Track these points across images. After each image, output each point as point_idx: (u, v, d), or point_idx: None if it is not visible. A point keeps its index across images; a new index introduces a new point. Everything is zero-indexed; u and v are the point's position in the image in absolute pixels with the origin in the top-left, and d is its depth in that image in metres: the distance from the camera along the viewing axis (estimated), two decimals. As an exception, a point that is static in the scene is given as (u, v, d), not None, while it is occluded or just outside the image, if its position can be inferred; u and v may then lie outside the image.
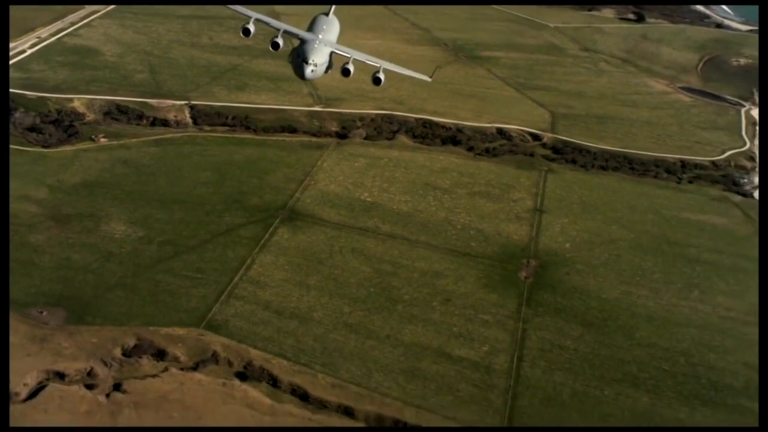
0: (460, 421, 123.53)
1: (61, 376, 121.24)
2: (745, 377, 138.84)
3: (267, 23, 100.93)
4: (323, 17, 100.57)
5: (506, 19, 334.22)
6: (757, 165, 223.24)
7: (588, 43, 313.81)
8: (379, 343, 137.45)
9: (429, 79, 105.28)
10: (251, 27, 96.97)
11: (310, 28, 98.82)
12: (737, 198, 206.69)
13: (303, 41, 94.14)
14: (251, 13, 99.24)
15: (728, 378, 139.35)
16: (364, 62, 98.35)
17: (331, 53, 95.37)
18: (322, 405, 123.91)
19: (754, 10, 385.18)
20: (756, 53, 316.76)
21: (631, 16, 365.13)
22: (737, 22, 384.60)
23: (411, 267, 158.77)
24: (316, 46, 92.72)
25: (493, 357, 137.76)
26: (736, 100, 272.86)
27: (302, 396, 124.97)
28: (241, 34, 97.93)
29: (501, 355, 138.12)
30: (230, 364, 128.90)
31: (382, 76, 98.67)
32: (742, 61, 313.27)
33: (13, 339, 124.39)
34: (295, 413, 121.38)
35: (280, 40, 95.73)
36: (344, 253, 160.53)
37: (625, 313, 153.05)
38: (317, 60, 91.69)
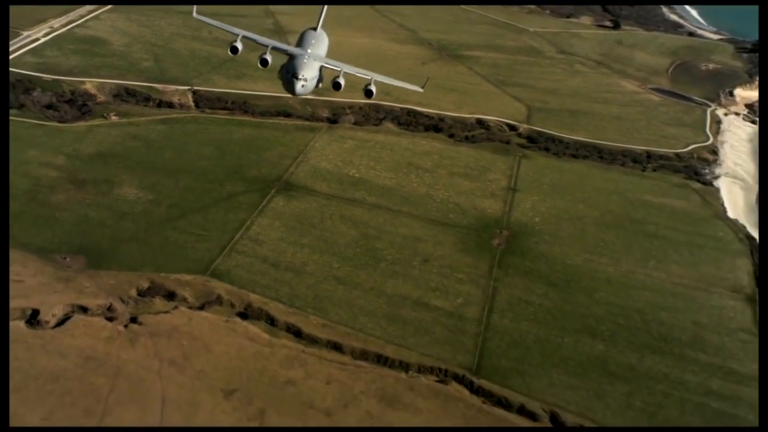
0: (435, 357, 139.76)
1: (84, 309, 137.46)
2: (692, 332, 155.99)
3: (254, 40, 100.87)
4: (311, 32, 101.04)
5: (488, 23, 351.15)
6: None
7: (565, 46, 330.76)
8: (364, 293, 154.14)
9: (421, 90, 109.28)
10: (239, 45, 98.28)
11: (299, 43, 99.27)
12: (697, 185, 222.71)
13: (292, 56, 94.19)
14: (238, 30, 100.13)
15: (677, 332, 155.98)
16: (354, 75, 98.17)
17: (321, 67, 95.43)
18: (313, 341, 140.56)
19: (728, 19, 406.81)
20: (724, 59, 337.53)
21: (607, 23, 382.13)
22: (709, 32, 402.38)
23: (394, 232, 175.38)
24: (305, 60, 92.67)
25: (466, 308, 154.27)
26: (703, 100, 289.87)
27: (296, 333, 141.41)
28: (229, 52, 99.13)
29: (473, 307, 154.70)
30: (232, 305, 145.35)
31: (373, 88, 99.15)
32: (711, 66, 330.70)
33: (41, 279, 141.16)
34: (289, 346, 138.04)
35: (268, 57, 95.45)
36: (334, 219, 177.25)
37: (586, 276, 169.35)
38: (307, 75, 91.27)
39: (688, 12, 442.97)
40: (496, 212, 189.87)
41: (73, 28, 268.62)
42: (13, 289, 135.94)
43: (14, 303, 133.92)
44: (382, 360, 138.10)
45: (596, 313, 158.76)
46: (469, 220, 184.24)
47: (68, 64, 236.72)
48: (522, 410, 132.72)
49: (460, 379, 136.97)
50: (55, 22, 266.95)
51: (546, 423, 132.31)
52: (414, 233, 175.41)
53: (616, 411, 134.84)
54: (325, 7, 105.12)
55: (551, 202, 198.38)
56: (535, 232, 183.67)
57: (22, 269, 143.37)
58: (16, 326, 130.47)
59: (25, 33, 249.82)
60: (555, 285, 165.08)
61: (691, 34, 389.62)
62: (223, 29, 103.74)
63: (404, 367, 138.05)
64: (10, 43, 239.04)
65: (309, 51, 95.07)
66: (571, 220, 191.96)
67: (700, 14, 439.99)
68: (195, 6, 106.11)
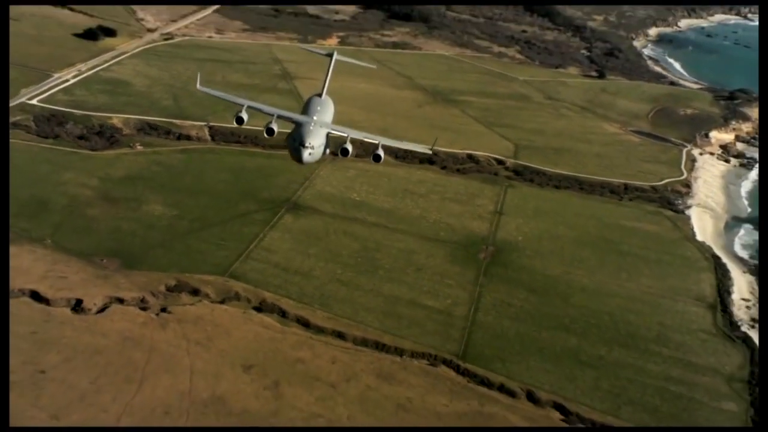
0: (426, 345, 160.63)
1: (120, 300, 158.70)
2: (657, 331, 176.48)
3: (260, 110, 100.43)
4: (317, 98, 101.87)
5: (480, 72, 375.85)
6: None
7: (552, 93, 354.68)
8: (365, 294, 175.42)
9: (429, 151, 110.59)
10: (244, 115, 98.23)
11: (304, 110, 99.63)
12: (669, 213, 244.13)
13: (298, 124, 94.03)
14: (243, 100, 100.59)
15: (643, 331, 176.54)
16: (362, 140, 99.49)
17: (328, 134, 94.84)
18: (319, 330, 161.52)
19: (708, 71, 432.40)
20: (702, 106, 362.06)
21: (593, 73, 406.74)
22: (690, 82, 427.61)
23: (391, 246, 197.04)
24: (311, 128, 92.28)
25: (454, 307, 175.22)
26: (680, 141, 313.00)
27: (304, 323, 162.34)
28: (234, 123, 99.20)
29: (460, 307, 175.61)
30: (248, 301, 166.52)
31: (381, 152, 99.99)
32: (689, 111, 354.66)
33: (83, 276, 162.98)
34: (299, 333, 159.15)
35: (274, 126, 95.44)
36: (337, 233, 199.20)
37: (563, 285, 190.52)
38: (314, 142, 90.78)
39: (671, 64, 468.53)
40: (483, 231, 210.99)
41: (98, 71, 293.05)
42: (58, 283, 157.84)
43: (60, 294, 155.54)
44: (379, 346, 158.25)
45: (571, 314, 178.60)
46: (458, 238, 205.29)
47: (96, 102, 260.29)
48: (502, 388, 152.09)
49: (448, 363, 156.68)
50: (83, 66, 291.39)
51: (523, 399, 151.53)
52: (409, 247, 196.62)
53: (585, 391, 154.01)
54: (330, 73, 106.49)
55: (533, 224, 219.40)
56: (518, 248, 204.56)
57: (66, 268, 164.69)
58: (63, 312, 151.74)
59: (56, 75, 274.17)
60: (534, 291, 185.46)
61: (672, 83, 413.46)
62: (228, 100, 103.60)
63: (399, 352, 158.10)
64: (44, 83, 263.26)
65: (315, 118, 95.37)
66: (551, 239, 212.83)
67: (682, 66, 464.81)
68: (198, 80, 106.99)
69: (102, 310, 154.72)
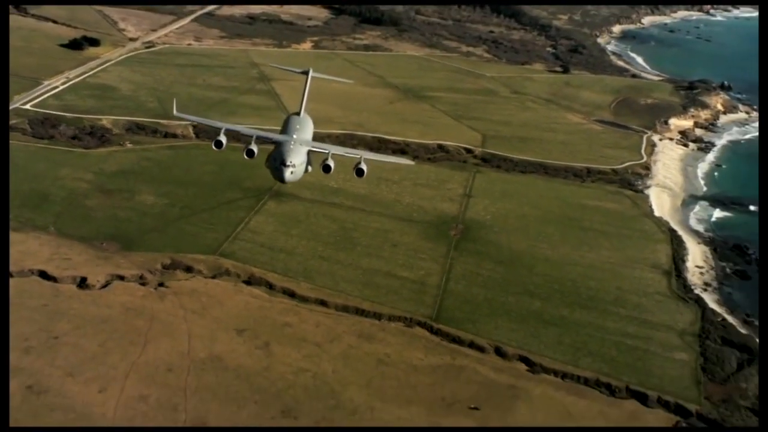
0: (402, 310, 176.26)
1: (121, 277, 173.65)
2: (615, 294, 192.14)
3: (238, 131, 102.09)
4: (295, 117, 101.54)
5: (449, 70, 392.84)
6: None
7: (518, 87, 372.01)
8: (344, 267, 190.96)
9: (412, 163, 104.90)
10: (222, 139, 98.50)
11: (284, 129, 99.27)
12: (629, 193, 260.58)
13: (278, 144, 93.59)
14: (220, 123, 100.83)
15: (602, 294, 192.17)
16: (343, 155, 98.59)
17: (309, 152, 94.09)
18: (304, 299, 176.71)
19: (670, 65, 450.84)
20: (663, 96, 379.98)
21: (558, 68, 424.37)
22: (652, 74, 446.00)
23: (367, 226, 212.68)
24: (291, 146, 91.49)
25: (427, 277, 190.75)
26: (641, 128, 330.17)
27: (290, 294, 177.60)
28: (213, 147, 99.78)
29: (433, 277, 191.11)
30: (238, 275, 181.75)
31: (364, 167, 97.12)
32: (650, 101, 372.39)
33: (85, 257, 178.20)
34: (285, 302, 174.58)
35: (254, 147, 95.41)
36: (317, 216, 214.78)
37: (528, 257, 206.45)
38: (295, 161, 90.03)
39: (633, 59, 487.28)
40: (453, 212, 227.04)
41: (86, 78, 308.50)
42: (63, 264, 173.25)
43: (66, 273, 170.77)
44: (359, 312, 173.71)
45: (535, 282, 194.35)
46: (430, 218, 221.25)
47: (85, 105, 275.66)
48: (472, 344, 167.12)
49: (423, 325, 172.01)
50: (71, 74, 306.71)
51: (491, 353, 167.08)
52: (384, 227, 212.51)
53: (549, 346, 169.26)
54: (307, 90, 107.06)
55: (500, 205, 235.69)
56: (486, 226, 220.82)
57: (69, 251, 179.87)
58: (70, 288, 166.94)
59: (46, 82, 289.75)
60: (501, 262, 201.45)
61: (634, 76, 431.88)
62: (205, 124, 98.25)
63: (377, 316, 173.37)
64: (35, 90, 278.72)
65: (294, 136, 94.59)
66: (517, 217, 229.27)
67: (644, 60, 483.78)
68: (174, 107, 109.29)
69: (105, 286, 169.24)
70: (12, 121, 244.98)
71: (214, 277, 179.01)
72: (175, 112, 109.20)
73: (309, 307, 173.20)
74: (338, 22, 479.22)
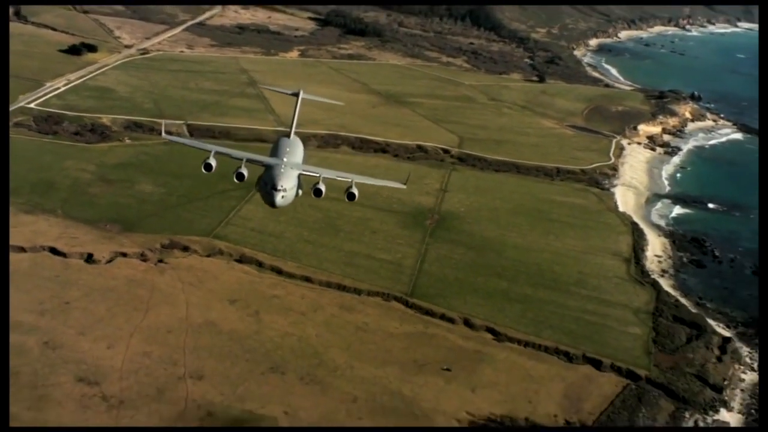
0: (380, 286, 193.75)
1: (124, 254, 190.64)
2: (577, 277, 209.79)
3: (228, 155, 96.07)
4: (285, 139, 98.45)
5: (430, 78, 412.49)
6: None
7: (495, 95, 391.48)
8: (328, 250, 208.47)
9: (404, 186, 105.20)
10: (212, 161, 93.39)
11: (273, 152, 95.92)
12: (596, 190, 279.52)
13: (268, 167, 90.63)
14: (210, 146, 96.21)
15: (565, 277, 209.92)
16: (334, 179, 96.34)
17: (299, 175, 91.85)
18: (290, 275, 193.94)
19: (643, 76, 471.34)
20: (633, 104, 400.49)
21: (534, 78, 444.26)
22: (624, 84, 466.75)
23: (350, 215, 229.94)
24: (282, 170, 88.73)
25: (404, 260, 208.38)
26: (611, 133, 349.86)
27: (278, 271, 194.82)
28: (203, 170, 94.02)
29: (409, 259, 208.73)
30: (230, 255, 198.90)
31: (355, 190, 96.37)
32: (621, 108, 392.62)
33: (91, 237, 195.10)
34: (274, 278, 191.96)
35: (244, 171, 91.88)
36: (303, 206, 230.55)
37: (497, 243, 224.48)
38: (286, 185, 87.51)
39: (608, 70, 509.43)
40: (429, 204, 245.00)
41: (85, 80, 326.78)
42: (71, 242, 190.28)
43: (74, 249, 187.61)
44: (341, 287, 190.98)
45: (503, 265, 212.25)
46: (408, 209, 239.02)
47: (86, 105, 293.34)
48: (443, 317, 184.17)
49: (398, 299, 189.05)
50: (71, 76, 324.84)
51: (460, 324, 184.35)
52: (365, 216, 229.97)
53: (513, 319, 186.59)
54: (296, 113, 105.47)
55: (474, 199, 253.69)
56: (460, 217, 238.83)
57: (76, 231, 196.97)
58: (78, 262, 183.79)
59: (48, 84, 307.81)
60: (472, 248, 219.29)
61: (607, 85, 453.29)
62: (195, 147, 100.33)
63: (357, 291, 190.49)
64: (38, 90, 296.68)
65: (285, 159, 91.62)
66: (489, 210, 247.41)
67: (618, 72, 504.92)
68: (162, 130, 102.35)
69: (109, 261, 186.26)
70: (17, 119, 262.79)
71: (208, 255, 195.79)
72: (163, 134, 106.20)
73: (295, 282, 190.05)
74: (324, 32, 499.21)
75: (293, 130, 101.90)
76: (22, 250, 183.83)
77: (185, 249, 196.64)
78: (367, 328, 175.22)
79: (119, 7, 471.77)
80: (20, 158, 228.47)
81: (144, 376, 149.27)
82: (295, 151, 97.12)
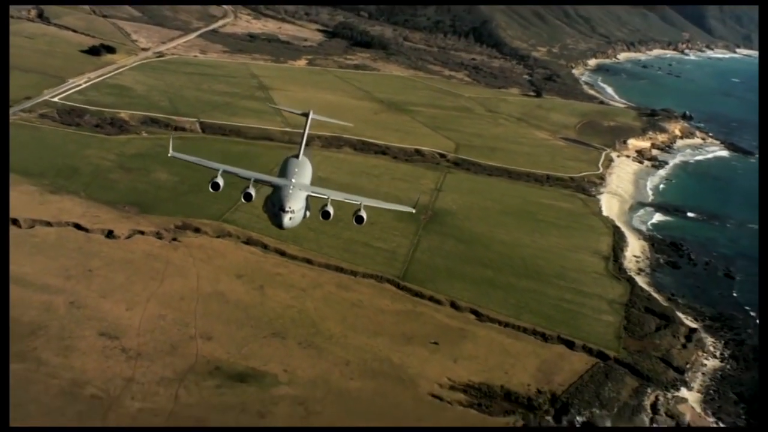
0: (375, 270, 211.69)
1: (141, 232, 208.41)
2: (558, 271, 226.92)
3: (236, 174, 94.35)
4: (294, 160, 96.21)
5: (431, 89, 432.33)
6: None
7: (493, 107, 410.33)
8: (328, 237, 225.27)
9: (413, 210, 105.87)
10: (220, 180, 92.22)
11: (282, 172, 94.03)
12: (582, 196, 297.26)
13: (276, 188, 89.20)
14: (218, 165, 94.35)
15: (547, 270, 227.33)
16: (343, 201, 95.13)
17: (308, 197, 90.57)
18: (293, 257, 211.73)
19: (637, 95, 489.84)
20: (625, 120, 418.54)
21: (531, 93, 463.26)
22: (618, 102, 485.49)
23: (349, 207, 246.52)
24: (290, 191, 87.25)
25: (398, 249, 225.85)
26: (601, 146, 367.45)
27: (281, 253, 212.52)
28: (210, 189, 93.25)
29: (403, 248, 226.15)
30: (238, 237, 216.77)
31: (363, 214, 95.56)
32: (613, 123, 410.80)
33: (111, 216, 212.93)
34: (277, 258, 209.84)
35: (252, 191, 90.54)
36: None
37: (486, 238, 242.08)
38: (294, 206, 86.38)
39: (604, 88, 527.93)
40: (424, 201, 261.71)
41: (105, 79, 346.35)
42: (93, 219, 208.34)
43: (96, 226, 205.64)
44: (339, 269, 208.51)
45: (490, 257, 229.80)
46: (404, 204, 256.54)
47: (106, 101, 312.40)
48: (431, 299, 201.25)
49: (391, 281, 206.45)
50: (91, 75, 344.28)
51: (447, 306, 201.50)
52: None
53: (496, 303, 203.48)
54: (306, 133, 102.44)
55: (466, 199, 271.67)
56: (452, 214, 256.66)
57: (98, 211, 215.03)
58: (99, 237, 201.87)
59: (70, 80, 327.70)
60: (462, 241, 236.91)
61: (602, 102, 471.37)
62: (202, 165, 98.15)
63: (354, 273, 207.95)
64: (61, 86, 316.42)
65: (293, 180, 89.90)
66: (480, 209, 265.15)
67: (614, 90, 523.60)
68: (170, 147, 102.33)
69: (128, 237, 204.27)
70: (43, 110, 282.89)
71: (218, 237, 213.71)
72: (171, 152, 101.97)
73: (296, 263, 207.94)
74: (331, 43, 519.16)
75: (302, 150, 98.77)
76: (49, 224, 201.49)
77: (197, 230, 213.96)
78: (361, 304, 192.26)
79: (136, 13, 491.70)
80: (46, 145, 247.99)
81: (159, 334, 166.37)
82: (303, 172, 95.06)
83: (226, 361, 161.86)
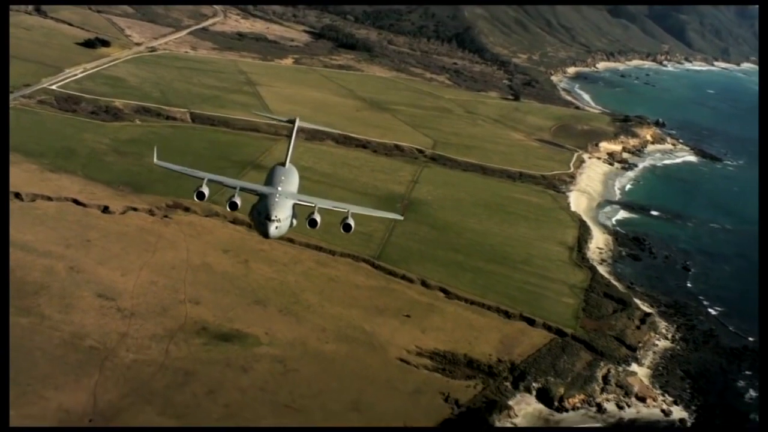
0: (351, 249, 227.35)
1: (134, 209, 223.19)
2: (525, 257, 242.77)
3: (221, 183, 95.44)
4: (280, 168, 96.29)
5: (412, 90, 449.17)
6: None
7: (471, 108, 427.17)
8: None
9: (401, 218, 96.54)
10: (205, 189, 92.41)
11: (268, 180, 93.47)
12: (552, 192, 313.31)
13: (263, 196, 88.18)
14: (203, 174, 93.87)
15: (514, 256, 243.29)
16: (330, 209, 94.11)
17: (294, 205, 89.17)
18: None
19: (612, 102, 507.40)
20: (599, 125, 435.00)
21: (510, 97, 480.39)
22: (594, 108, 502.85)
23: (330, 195, 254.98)
24: (277, 200, 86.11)
25: (375, 232, 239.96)
26: (574, 148, 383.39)
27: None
28: (195, 198, 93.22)
29: (379, 232, 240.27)
30: (225, 217, 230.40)
31: (351, 222, 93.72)
32: (586, 127, 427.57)
33: (107, 194, 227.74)
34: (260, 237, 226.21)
35: (237, 199, 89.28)
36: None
37: (458, 226, 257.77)
38: (280, 215, 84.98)
39: (580, 95, 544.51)
40: (401, 191, 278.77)
41: (100, 70, 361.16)
42: (90, 196, 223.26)
43: (93, 202, 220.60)
44: (318, 248, 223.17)
45: (461, 243, 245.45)
46: (381, 194, 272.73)
47: (101, 90, 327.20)
48: (403, 277, 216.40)
49: (366, 261, 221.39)
50: (87, 66, 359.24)
51: (418, 284, 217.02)
52: (343, 196, 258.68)
53: (464, 284, 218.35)
54: (293, 141, 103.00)
55: (441, 191, 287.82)
56: (427, 203, 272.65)
57: (94, 188, 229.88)
58: (96, 212, 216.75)
59: (67, 70, 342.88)
60: (435, 228, 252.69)
61: (578, 108, 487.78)
62: (186, 174, 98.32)
63: (332, 252, 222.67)
64: (58, 75, 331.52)
65: (280, 188, 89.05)
66: (453, 200, 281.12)
67: (591, 97, 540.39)
68: (155, 154, 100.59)
69: (123, 213, 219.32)
70: (41, 97, 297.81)
71: (206, 216, 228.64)
72: (155, 160, 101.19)
73: (279, 241, 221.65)
74: (317, 44, 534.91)
75: (289, 158, 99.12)
76: (49, 199, 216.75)
77: (187, 209, 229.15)
78: (338, 279, 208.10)
79: (130, 9, 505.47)
80: (45, 129, 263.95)
81: (151, 298, 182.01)
82: (290, 180, 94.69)
83: (212, 323, 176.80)
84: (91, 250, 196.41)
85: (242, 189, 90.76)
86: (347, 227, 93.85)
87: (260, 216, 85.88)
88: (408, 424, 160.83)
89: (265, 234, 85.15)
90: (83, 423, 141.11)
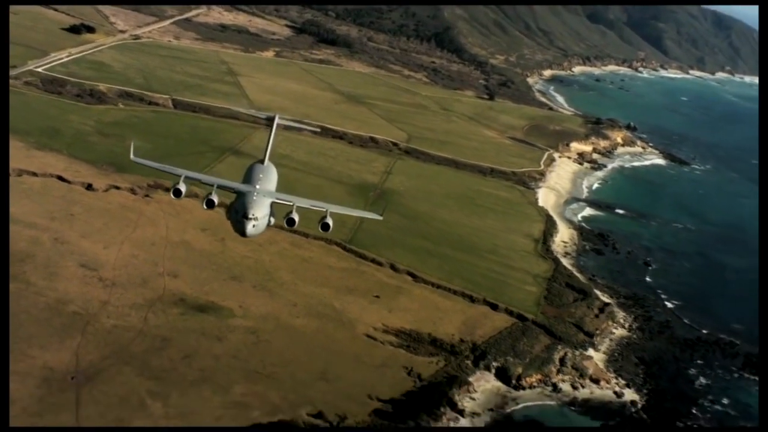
0: (325, 236, 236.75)
1: (117, 187, 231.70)
2: (491, 247, 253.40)
3: (198, 180, 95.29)
4: (259, 165, 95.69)
5: (389, 86, 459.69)
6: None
7: (447, 106, 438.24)
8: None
9: (380, 217, 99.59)
10: (182, 187, 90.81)
11: (246, 178, 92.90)
12: (521, 188, 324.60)
13: (240, 194, 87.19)
14: (180, 170, 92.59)
15: (481, 246, 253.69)
16: (308, 208, 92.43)
17: (272, 203, 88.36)
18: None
19: (586, 105, 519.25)
20: (571, 126, 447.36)
21: (485, 96, 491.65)
22: (567, 110, 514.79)
23: (305, 182, 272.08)
24: (254, 198, 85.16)
25: (348, 218, 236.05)
26: (545, 147, 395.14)
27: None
28: (172, 196, 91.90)
29: (352, 219, 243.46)
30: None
31: (330, 221, 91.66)
32: (558, 128, 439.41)
33: (91, 172, 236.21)
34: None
35: (214, 197, 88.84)
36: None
37: (428, 216, 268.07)
38: (258, 213, 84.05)
39: (555, 97, 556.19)
40: (374, 181, 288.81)
41: (85, 55, 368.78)
42: (74, 174, 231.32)
43: (77, 179, 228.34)
44: (292, 231, 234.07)
45: (430, 232, 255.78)
46: (355, 182, 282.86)
47: (86, 74, 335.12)
48: (373, 261, 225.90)
49: (339, 244, 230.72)
50: (72, 51, 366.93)
51: (387, 267, 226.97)
52: (318, 183, 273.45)
53: (431, 269, 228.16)
54: (272, 138, 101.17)
55: (413, 182, 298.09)
56: (399, 193, 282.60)
57: (78, 167, 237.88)
58: (80, 189, 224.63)
59: (53, 54, 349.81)
60: (406, 217, 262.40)
61: (551, 109, 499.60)
62: (164, 171, 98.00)
63: (305, 235, 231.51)
64: (44, 59, 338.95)
65: (257, 187, 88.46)
66: (425, 191, 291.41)
67: (565, 100, 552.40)
68: (132, 151, 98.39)
69: (105, 190, 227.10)
70: (27, 78, 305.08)
71: (186, 197, 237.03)
72: (132, 156, 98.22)
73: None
74: (299, 39, 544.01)
75: (267, 156, 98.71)
76: (35, 174, 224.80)
77: (167, 190, 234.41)
78: (310, 260, 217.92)
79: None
80: (31, 109, 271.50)
81: (132, 270, 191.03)
82: (268, 178, 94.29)
83: (189, 295, 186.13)
84: (74, 223, 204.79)
85: (220, 186, 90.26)
86: (325, 226, 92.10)
87: (237, 214, 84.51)
88: (373, 394, 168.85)
89: (242, 232, 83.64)
90: (66, 380, 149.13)
